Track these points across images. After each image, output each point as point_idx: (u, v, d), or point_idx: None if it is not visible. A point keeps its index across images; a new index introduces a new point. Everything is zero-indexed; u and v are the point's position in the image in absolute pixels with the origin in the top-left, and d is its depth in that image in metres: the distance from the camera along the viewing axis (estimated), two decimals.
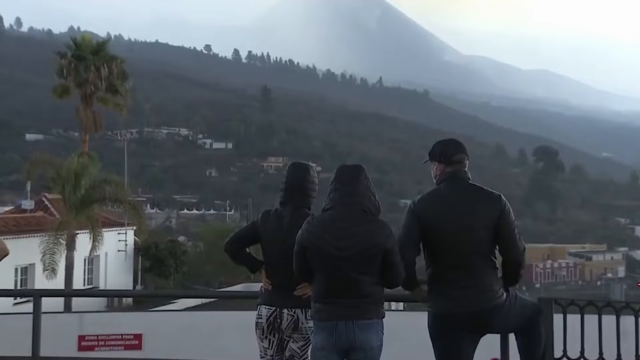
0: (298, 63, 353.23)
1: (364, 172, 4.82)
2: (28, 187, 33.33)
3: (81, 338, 15.13)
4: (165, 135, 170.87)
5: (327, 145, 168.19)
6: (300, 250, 4.72)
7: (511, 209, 4.92)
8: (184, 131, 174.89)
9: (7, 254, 5.75)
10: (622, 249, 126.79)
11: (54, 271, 26.20)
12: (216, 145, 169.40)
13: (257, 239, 5.25)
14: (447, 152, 5.04)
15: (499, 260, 4.96)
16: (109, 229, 34.04)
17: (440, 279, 4.90)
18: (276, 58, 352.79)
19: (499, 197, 4.88)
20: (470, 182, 4.98)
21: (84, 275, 34.22)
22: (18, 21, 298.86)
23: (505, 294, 4.90)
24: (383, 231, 4.60)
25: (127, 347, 14.96)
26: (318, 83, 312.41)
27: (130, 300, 32.03)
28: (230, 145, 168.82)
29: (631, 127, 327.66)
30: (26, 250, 26.34)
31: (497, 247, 4.90)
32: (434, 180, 5.09)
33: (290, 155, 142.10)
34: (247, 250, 5.37)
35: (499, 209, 4.81)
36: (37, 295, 6.87)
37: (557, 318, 5.51)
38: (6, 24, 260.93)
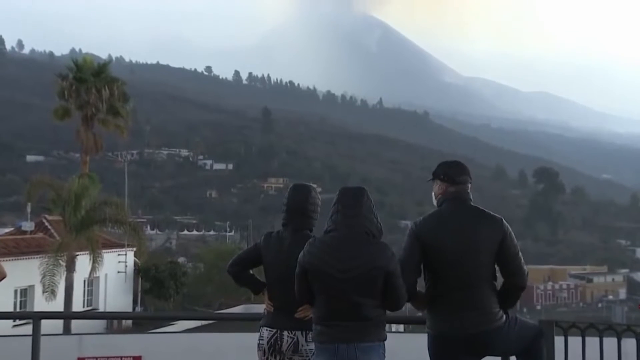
0: (298, 84, 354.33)
1: (366, 194, 4.83)
2: (28, 209, 33.29)
3: None
4: (165, 156, 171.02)
5: (328, 166, 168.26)
6: (301, 272, 4.71)
7: (512, 232, 4.91)
8: (184, 152, 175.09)
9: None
10: (623, 270, 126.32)
11: (53, 293, 26.11)
12: (216, 166, 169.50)
13: (259, 261, 5.25)
14: (452, 172, 5.05)
15: (499, 282, 4.94)
16: (109, 250, 33.98)
17: (440, 301, 4.89)
18: (277, 79, 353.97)
19: (500, 221, 4.87)
20: (472, 204, 4.99)
21: (84, 296, 34.12)
22: (20, 43, 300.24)
23: (505, 316, 4.88)
24: (385, 253, 4.59)
25: None
26: (318, 104, 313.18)
27: (129, 321, 31.91)
28: (230, 166, 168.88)
29: (631, 149, 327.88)
30: (26, 271, 26.26)
31: (499, 270, 4.89)
32: (434, 200, 5.09)
33: (291, 176, 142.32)
34: (250, 272, 5.38)
35: (501, 233, 4.81)
36: (37, 317, 6.84)
37: (558, 340, 5.48)
38: (8, 46, 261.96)
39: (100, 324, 28.22)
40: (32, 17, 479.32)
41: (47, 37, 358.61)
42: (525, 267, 4.92)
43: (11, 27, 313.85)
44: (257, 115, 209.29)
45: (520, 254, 4.90)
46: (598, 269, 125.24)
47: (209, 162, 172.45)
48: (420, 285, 4.94)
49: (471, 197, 5.02)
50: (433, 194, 5.12)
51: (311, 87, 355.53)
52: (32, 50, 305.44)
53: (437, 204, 5.04)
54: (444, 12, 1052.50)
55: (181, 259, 59.55)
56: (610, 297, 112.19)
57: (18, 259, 27.89)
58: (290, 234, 5.14)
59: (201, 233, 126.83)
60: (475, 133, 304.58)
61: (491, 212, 4.95)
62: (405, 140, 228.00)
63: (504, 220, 4.89)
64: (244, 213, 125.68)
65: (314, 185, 5.60)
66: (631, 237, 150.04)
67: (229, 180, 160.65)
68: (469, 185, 5.05)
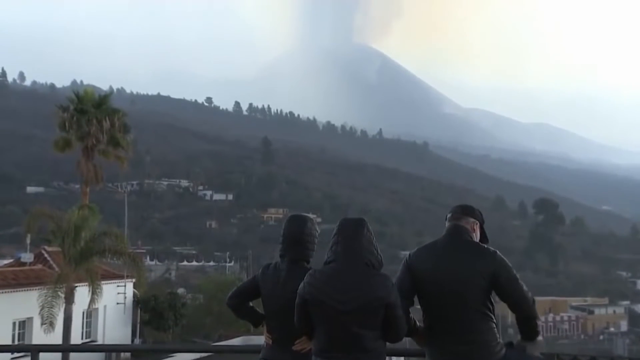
0: (299, 115, 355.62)
1: (366, 225, 4.84)
2: (28, 240, 33.22)
3: None
4: (165, 187, 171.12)
5: (328, 196, 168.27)
6: (301, 304, 4.70)
7: (509, 264, 4.90)
8: (184, 183, 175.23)
9: None
10: (624, 302, 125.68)
11: (52, 325, 25.94)
12: (216, 196, 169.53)
13: (257, 293, 5.25)
14: (452, 211, 5.13)
15: (512, 317, 4.92)
16: (108, 282, 33.86)
17: (437, 333, 4.88)
18: (277, 110, 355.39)
19: (492, 254, 4.88)
20: (468, 239, 5.00)
21: (82, 328, 33.90)
22: (21, 75, 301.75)
23: (504, 350, 4.86)
24: (385, 285, 4.59)
25: None
26: (318, 135, 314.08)
27: (128, 354, 31.69)
28: (230, 197, 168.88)
29: (631, 181, 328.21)
30: (24, 303, 26.13)
31: (507, 305, 4.87)
32: None
33: (291, 206, 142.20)
34: (250, 304, 5.38)
35: (492, 265, 4.80)
36: (35, 350, 6.81)
37: None
38: (10, 78, 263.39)
39: (98, 357, 28.01)
40: (34, 50, 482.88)
41: (49, 69, 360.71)
42: (529, 296, 4.91)
43: (13, 60, 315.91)
44: (257, 145, 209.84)
45: (521, 283, 4.89)
46: (599, 301, 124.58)
47: (208, 192, 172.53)
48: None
49: (470, 235, 5.03)
50: None
51: (311, 117, 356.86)
52: (34, 82, 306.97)
53: None
54: (443, 44, 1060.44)
55: (180, 290, 59.23)
56: (612, 329, 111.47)
57: (17, 291, 27.78)
58: (287, 266, 5.15)
59: (201, 264, 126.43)
60: (475, 164, 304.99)
61: (485, 246, 4.96)
62: (405, 171, 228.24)
63: (497, 253, 4.89)
64: (244, 243, 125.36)
65: (313, 216, 5.64)
66: (632, 269, 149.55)
67: (228, 210, 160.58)
68: (469, 222, 5.07)
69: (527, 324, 4.95)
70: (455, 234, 4.99)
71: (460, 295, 4.76)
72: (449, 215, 5.12)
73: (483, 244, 4.98)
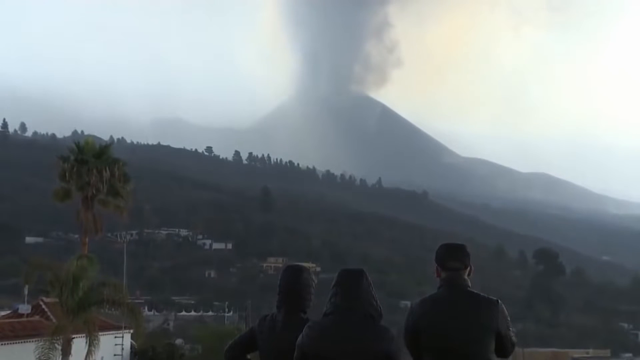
0: (298, 164, 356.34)
1: (365, 276, 4.84)
2: (25, 291, 33.06)
3: None
4: (165, 236, 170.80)
5: (327, 245, 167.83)
6: (300, 356, 4.68)
7: (507, 314, 4.93)
8: (183, 232, 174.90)
9: None
10: (627, 354, 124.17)
11: None
12: (216, 245, 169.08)
13: (254, 345, 5.23)
14: (444, 257, 5.10)
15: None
16: (106, 333, 33.56)
17: None
18: (276, 159, 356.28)
19: (495, 304, 4.89)
20: (468, 289, 5.00)
21: None
22: (23, 126, 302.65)
23: None
24: (385, 337, 4.58)
25: None
26: (318, 184, 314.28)
27: None
28: (230, 246, 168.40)
29: (631, 231, 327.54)
30: (21, 356, 25.89)
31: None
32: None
33: (290, 255, 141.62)
34: (247, 356, 5.35)
35: (495, 319, 4.83)
36: None
37: None
38: (11, 129, 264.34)
39: None
40: (35, 101, 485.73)
41: (50, 120, 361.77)
42: (515, 341, 4.95)
43: (15, 110, 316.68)
44: (257, 194, 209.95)
45: (513, 331, 4.91)
46: (601, 353, 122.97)
47: (208, 241, 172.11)
48: None
49: (468, 283, 5.02)
50: None
51: (310, 166, 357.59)
52: (35, 133, 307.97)
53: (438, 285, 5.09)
54: (441, 93, 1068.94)
55: (179, 341, 58.78)
56: None
57: (14, 343, 27.54)
58: (283, 317, 5.14)
59: (199, 314, 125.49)
60: (474, 213, 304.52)
61: (486, 297, 4.95)
62: (405, 220, 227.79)
63: (499, 304, 4.90)
64: (243, 293, 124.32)
65: (311, 265, 5.65)
66: (633, 320, 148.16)
67: (228, 259, 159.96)
68: (465, 271, 5.06)
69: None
70: (457, 285, 4.98)
71: (464, 351, 4.75)
72: (442, 260, 5.06)
73: (483, 295, 4.98)
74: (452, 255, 5.09)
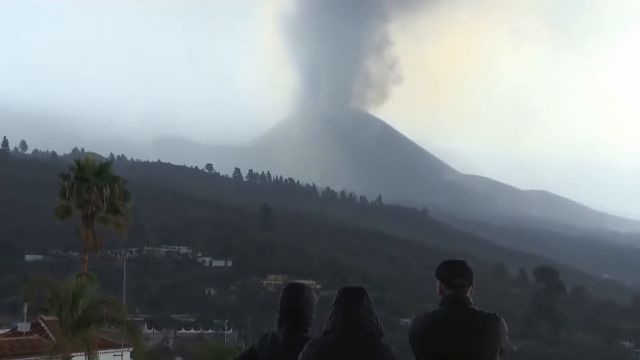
0: (298, 181, 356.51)
1: (366, 294, 4.84)
2: (25, 309, 33.00)
3: None
4: (164, 253, 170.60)
5: (327, 262, 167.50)
6: None
7: (505, 326, 4.95)
8: (183, 249, 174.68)
9: None
10: None
11: None
12: (216, 263, 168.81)
13: None
14: (448, 274, 5.07)
15: None
16: (105, 351, 33.45)
17: None
18: (276, 177, 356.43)
19: (497, 318, 4.89)
20: (470, 307, 5.00)
21: None
22: (23, 144, 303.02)
23: None
24: (386, 355, 4.58)
25: None
26: (318, 201, 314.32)
27: None
28: (229, 263, 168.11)
29: (631, 249, 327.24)
30: None
31: None
32: (438, 298, 5.12)
33: (291, 273, 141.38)
34: None
35: (498, 338, 4.84)
36: None
37: None
38: (11, 147, 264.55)
39: None
40: (35, 119, 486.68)
41: (51, 138, 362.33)
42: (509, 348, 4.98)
43: (15, 129, 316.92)
44: (257, 211, 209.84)
45: (507, 342, 4.94)
46: None
47: (208, 259, 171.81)
48: None
49: (471, 301, 5.02)
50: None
51: (310, 184, 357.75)
52: (35, 151, 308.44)
53: (439, 303, 5.06)
54: (441, 111, 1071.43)
55: (178, 359, 58.52)
56: None
57: None
58: (284, 335, 5.13)
59: (199, 332, 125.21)
60: (474, 230, 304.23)
61: (487, 313, 4.95)
62: (405, 237, 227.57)
63: (501, 321, 4.90)
64: (243, 311, 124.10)
65: (312, 283, 5.65)
66: (635, 339, 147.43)
67: (228, 277, 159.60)
68: (468, 289, 5.05)
69: None
70: (460, 303, 4.97)
71: None
72: (448, 277, 5.04)
73: (484, 311, 4.98)
74: (458, 272, 5.09)
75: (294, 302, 5.20)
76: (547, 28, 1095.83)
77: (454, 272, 5.09)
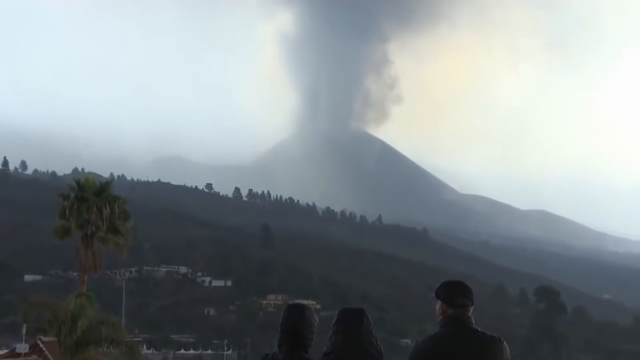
0: (298, 201, 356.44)
1: (366, 315, 4.85)
2: (23, 330, 32.88)
3: None
4: (164, 273, 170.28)
5: (327, 282, 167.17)
6: None
7: (508, 349, 4.96)
8: (183, 269, 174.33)
9: None
10: None
11: None
12: (215, 282, 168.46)
13: None
14: (451, 294, 5.09)
15: None
16: None
17: None
18: (276, 196, 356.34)
19: (500, 340, 4.90)
20: (473, 327, 5.00)
21: None
22: (23, 164, 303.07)
23: None
24: None
25: None
26: (318, 221, 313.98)
27: None
28: (229, 283, 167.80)
29: (631, 269, 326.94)
30: None
31: None
32: (438, 318, 5.10)
33: (290, 292, 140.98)
34: None
35: (503, 354, 4.83)
36: None
37: None
38: (11, 167, 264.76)
39: None
40: (35, 139, 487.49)
41: (51, 158, 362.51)
42: None
43: (15, 149, 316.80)
44: (257, 231, 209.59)
45: None
46: None
47: (207, 278, 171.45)
48: None
49: (472, 321, 5.03)
50: (436, 311, 5.14)
51: (310, 203, 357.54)
52: (35, 171, 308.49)
53: (438, 323, 5.06)
54: (441, 130, 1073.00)
55: None
56: None
57: None
58: (284, 356, 5.13)
59: (198, 352, 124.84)
60: (474, 250, 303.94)
61: (491, 336, 4.96)
62: (405, 257, 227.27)
63: (504, 343, 4.90)
64: (243, 331, 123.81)
65: (312, 302, 5.65)
66: None
67: (227, 297, 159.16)
68: (470, 308, 5.07)
69: None
70: (463, 323, 4.98)
71: None
72: (451, 297, 5.04)
73: (488, 333, 4.98)
74: (460, 292, 5.11)
75: (294, 322, 5.19)
76: (546, 48, 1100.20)
77: (456, 292, 5.11)
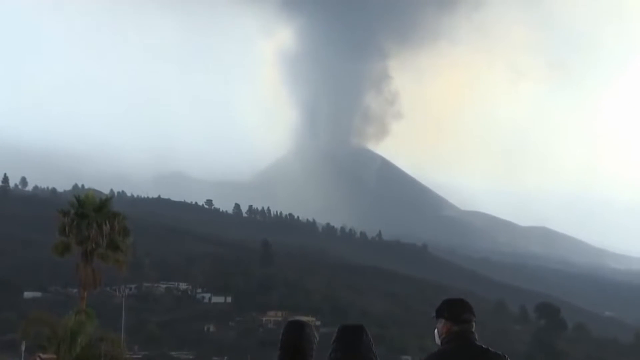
0: (298, 217, 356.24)
1: (366, 332, 4.86)
2: (23, 347, 32.83)
3: None
4: (164, 289, 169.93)
5: (327, 299, 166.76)
6: None
7: None
8: (182, 285, 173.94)
9: None
10: None
11: None
12: (215, 299, 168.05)
13: None
14: (455, 311, 5.10)
15: None
16: None
17: None
18: (276, 212, 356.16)
19: (505, 358, 4.92)
20: (477, 343, 5.02)
21: None
22: (23, 181, 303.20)
23: None
24: None
25: None
26: (318, 237, 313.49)
27: None
28: (229, 299, 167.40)
29: (631, 286, 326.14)
30: None
31: None
32: (437, 339, 5.11)
33: (290, 309, 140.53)
34: None
35: None
36: None
37: None
38: (11, 184, 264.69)
39: None
40: (36, 155, 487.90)
41: (51, 174, 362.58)
42: None
43: (15, 165, 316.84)
44: (257, 247, 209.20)
45: None
46: None
47: (207, 295, 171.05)
48: None
49: (476, 336, 5.05)
50: (436, 331, 5.13)
51: (310, 219, 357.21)
52: (36, 187, 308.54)
53: (440, 342, 5.06)
54: (440, 146, 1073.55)
55: None
56: None
57: None
58: None
59: None
60: (474, 266, 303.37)
61: (496, 353, 4.97)
62: (405, 273, 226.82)
63: (506, 358, 4.91)
64: (242, 348, 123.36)
65: (312, 319, 5.66)
66: None
67: (227, 313, 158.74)
68: (473, 324, 5.09)
69: None
70: (465, 339, 4.99)
71: None
72: (456, 314, 5.05)
73: (492, 350, 5.00)
74: (463, 308, 5.13)
75: (295, 339, 5.20)
76: (546, 65, 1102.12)
77: (459, 309, 5.13)
